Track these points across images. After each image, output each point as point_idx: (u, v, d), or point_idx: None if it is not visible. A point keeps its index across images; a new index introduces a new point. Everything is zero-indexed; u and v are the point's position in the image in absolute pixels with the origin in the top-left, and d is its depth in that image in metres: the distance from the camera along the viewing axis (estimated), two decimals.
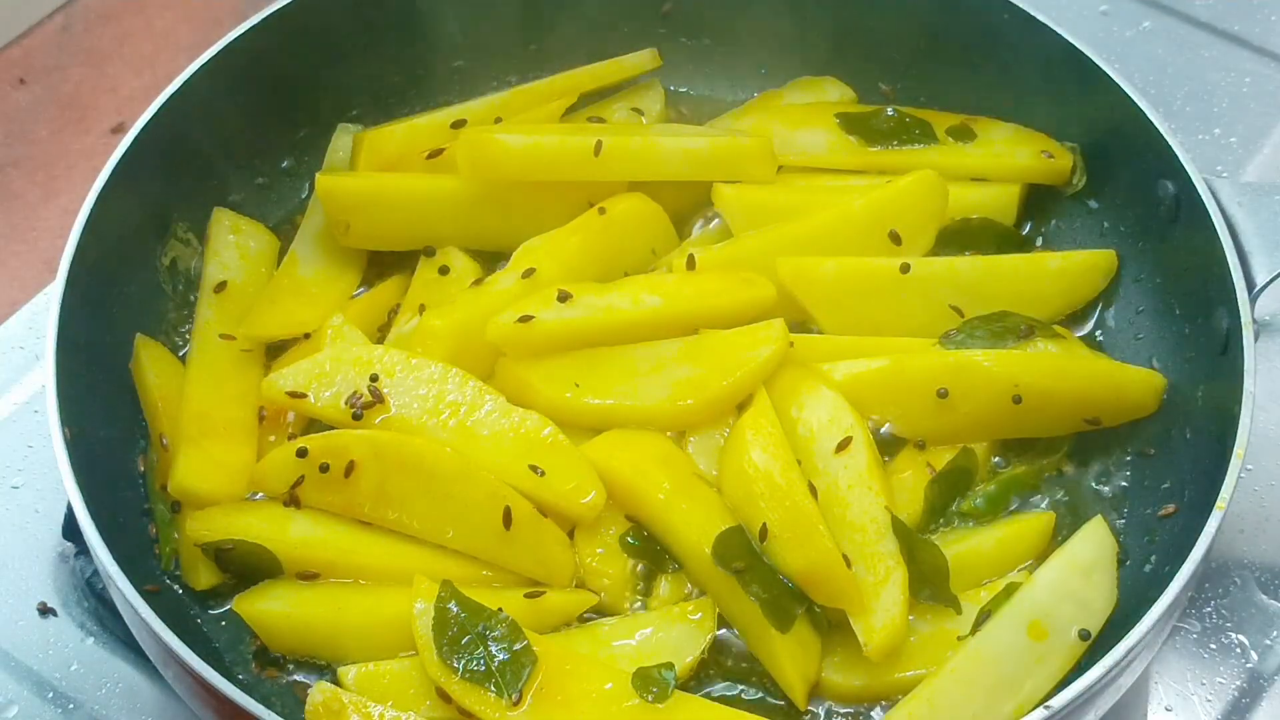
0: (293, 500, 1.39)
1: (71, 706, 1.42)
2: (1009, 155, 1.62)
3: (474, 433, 1.39)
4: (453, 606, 1.30)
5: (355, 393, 1.40)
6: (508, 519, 1.35)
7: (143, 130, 1.48)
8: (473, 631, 1.28)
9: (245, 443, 1.45)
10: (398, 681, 1.30)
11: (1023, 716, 1.20)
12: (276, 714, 1.16)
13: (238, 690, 1.17)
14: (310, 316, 1.52)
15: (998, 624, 1.32)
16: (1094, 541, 1.37)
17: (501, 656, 1.27)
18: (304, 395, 1.41)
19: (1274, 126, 1.84)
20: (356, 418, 1.39)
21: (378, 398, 1.40)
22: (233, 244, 1.58)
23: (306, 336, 1.51)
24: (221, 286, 1.54)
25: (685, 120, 1.72)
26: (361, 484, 1.37)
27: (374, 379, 1.40)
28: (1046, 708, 1.18)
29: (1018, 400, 1.43)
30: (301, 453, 1.37)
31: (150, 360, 1.48)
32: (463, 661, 1.27)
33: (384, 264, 1.60)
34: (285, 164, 1.67)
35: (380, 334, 1.54)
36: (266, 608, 1.36)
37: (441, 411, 1.40)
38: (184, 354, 1.53)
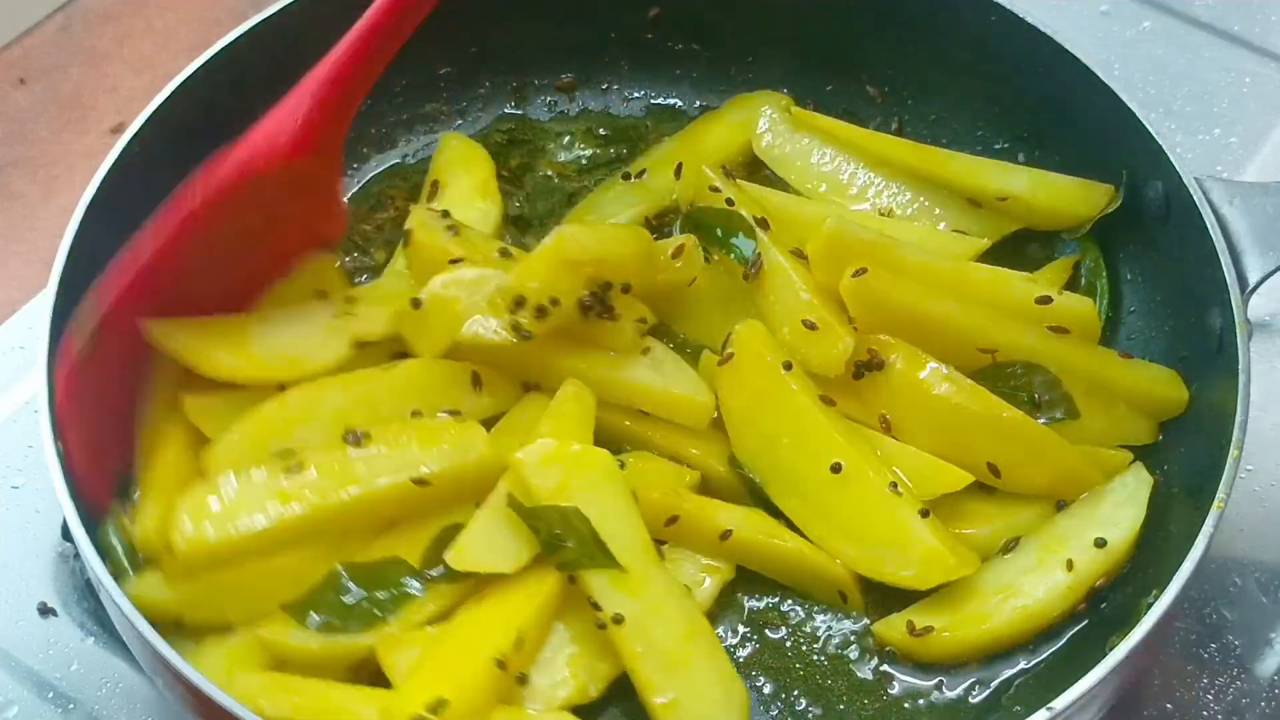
0: None
1: (71, 706, 1.42)
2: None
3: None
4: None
5: None
6: None
7: (140, 130, 1.48)
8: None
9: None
10: None
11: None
12: None
13: (229, 697, 1.17)
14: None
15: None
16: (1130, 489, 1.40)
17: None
18: None
19: (1274, 126, 1.84)
20: None
21: None
22: None
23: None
24: None
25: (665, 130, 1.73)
26: None
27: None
28: (1049, 709, 1.18)
29: None
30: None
31: None
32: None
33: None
34: None
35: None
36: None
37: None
38: None
